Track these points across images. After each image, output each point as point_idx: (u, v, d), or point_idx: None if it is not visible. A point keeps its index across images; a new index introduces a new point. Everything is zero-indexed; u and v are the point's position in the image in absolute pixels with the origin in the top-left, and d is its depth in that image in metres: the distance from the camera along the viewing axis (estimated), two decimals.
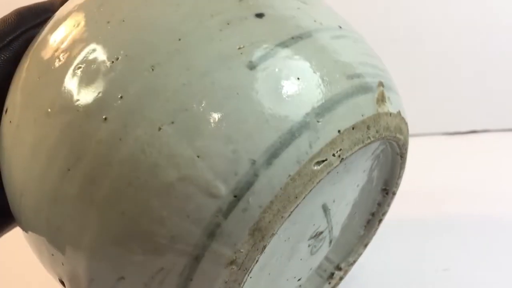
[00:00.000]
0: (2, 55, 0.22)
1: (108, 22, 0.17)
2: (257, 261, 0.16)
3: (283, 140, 0.16)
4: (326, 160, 0.16)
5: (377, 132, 0.18)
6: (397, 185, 0.25)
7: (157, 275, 0.16)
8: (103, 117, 0.16)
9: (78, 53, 0.17)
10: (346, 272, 0.28)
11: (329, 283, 0.28)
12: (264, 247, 0.16)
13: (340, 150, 0.17)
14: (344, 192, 0.22)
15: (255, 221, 0.16)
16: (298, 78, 0.16)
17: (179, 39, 0.16)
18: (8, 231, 0.23)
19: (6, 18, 0.23)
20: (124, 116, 0.16)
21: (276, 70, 0.16)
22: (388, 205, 0.26)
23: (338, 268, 0.28)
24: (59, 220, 0.17)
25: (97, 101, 0.16)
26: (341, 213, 0.24)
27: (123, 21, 0.17)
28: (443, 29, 0.48)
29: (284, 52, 0.17)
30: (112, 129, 0.16)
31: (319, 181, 0.16)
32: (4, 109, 0.20)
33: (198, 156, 0.15)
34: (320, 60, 0.17)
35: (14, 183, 0.19)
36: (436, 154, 0.44)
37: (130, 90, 0.16)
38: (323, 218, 0.22)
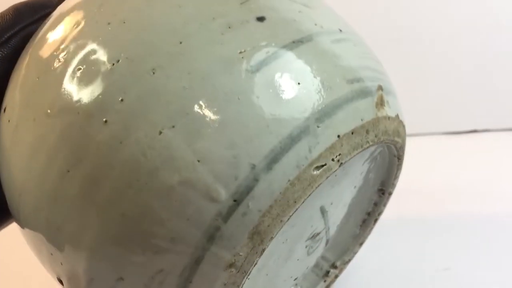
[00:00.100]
0: (0, 52, 0.22)
1: (109, 23, 0.17)
2: (255, 264, 0.17)
3: (283, 145, 0.16)
4: (325, 165, 0.16)
5: (375, 136, 0.18)
6: (393, 185, 0.25)
7: (156, 276, 0.16)
8: (104, 119, 0.16)
9: (78, 54, 0.17)
10: (341, 270, 0.28)
11: (325, 281, 0.28)
12: (263, 250, 0.16)
13: (340, 155, 0.17)
14: (342, 194, 0.22)
15: (254, 225, 0.16)
16: (298, 83, 0.16)
17: (181, 42, 0.16)
18: (5, 226, 0.23)
19: (3, 14, 0.23)
20: (125, 119, 0.16)
21: (277, 74, 0.16)
22: (384, 205, 0.26)
23: (334, 266, 0.28)
24: (58, 220, 0.17)
25: (97, 103, 0.16)
26: (338, 214, 0.24)
27: (124, 22, 0.17)
28: (444, 29, 0.48)
29: (285, 57, 0.17)
30: (112, 131, 0.16)
31: (318, 185, 0.16)
32: (3, 107, 0.20)
33: (198, 160, 0.15)
34: (321, 65, 0.17)
35: (13, 182, 0.19)
36: (437, 153, 0.44)
37: (131, 93, 0.16)
38: (320, 220, 0.22)
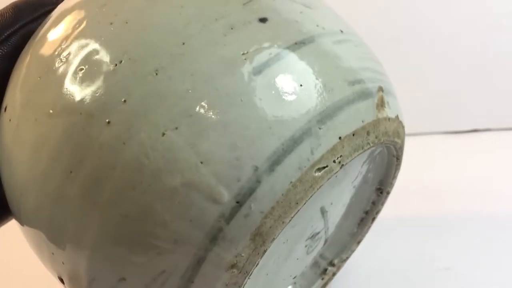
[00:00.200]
0: (0, 50, 0.22)
1: (111, 23, 0.17)
2: (257, 264, 0.17)
3: (285, 147, 0.16)
4: (327, 166, 0.17)
5: (376, 137, 0.18)
6: (391, 185, 0.26)
7: (158, 277, 0.17)
8: (107, 120, 0.16)
9: (80, 54, 0.17)
10: (339, 268, 0.29)
11: (322, 278, 0.28)
12: (265, 251, 0.16)
13: (341, 156, 0.17)
14: (342, 194, 0.23)
15: (256, 226, 0.16)
16: (301, 85, 0.17)
17: (183, 43, 0.16)
18: (5, 223, 0.23)
19: (3, 12, 0.22)
20: (128, 120, 0.16)
21: (280, 76, 0.16)
22: (382, 204, 0.27)
23: (332, 264, 0.28)
24: (61, 220, 0.17)
25: (100, 104, 0.16)
26: (337, 213, 0.24)
27: (126, 22, 0.17)
28: (445, 28, 0.48)
29: (288, 58, 0.17)
30: (115, 132, 0.16)
31: (320, 187, 0.17)
32: (3, 106, 0.20)
33: (201, 162, 0.15)
34: (323, 66, 0.17)
35: (14, 181, 0.19)
36: (438, 153, 0.44)
37: (133, 94, 0.16)
38: (320, 220, 0.22)
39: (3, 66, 0.22)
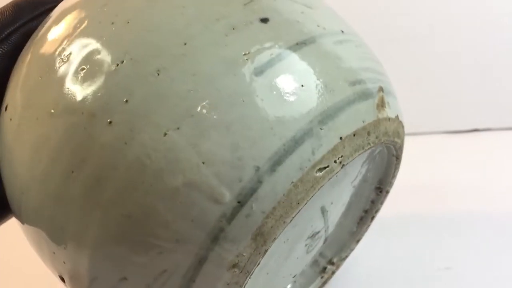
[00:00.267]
0: (0, 49, 0.22)
1: (112, 23, 0.17)
2: (258, 264, 0.17)
3: (287, 147, 0.16)
4: (328, 166, 0.17)
5: (376, 137, 0.19)
6: (391, 184, 0.26)
7: (160, 276, 0.17)
8: (108, 120, 0.16)
9: (82, 54, 0.17)
10: (338, 266, 0.29)
11: (322, 277, 0.28)
12: (266, 251, 0.16)
13: (342, 156, 0.17)
14: (342, 193, 0.23)
15: (257, 226, 0.16)
16: (302, 85, 0.17)
17: (185, 43, 0.16)
18: (5, 221, 0.23)
19: (3, 11, 0.22)
20: (130, 121, 0.16)
21: (281, 77, 0.16)
22: (381, 203, 0.27)
23: (331, 262, 0.28)
24: (62, 219, 0.17)
25: (101, 104, 0.16)
26: (337, 212, 0.24)
27: (128, 22, 0.17)
28: (445, 27, 0.48)
29: (289, 59, 0.17)
30: (117, 132, 0.16)
31: (321, 187, 0.17)
32: (4, 105, 0.20)
33: (203, 162, 0.15)
34: (324, 67, 0.17)
35: (15, 180, 0.19)
36: (438, 152, 0.44)
37: (135, 94, 0.16)
38: (320, 219, 0.22)
39: (3, 64, 0.22)
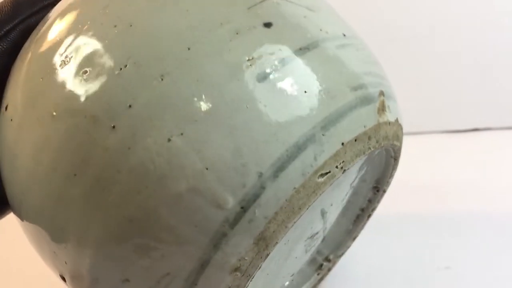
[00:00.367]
0: (0, 46, 0.21)
1: (115, 26, 0.17)
2: (260, 267, 0.17)
3: (289, 153, 0.16)
4: (329, 172, 0.17)
5: (377, 142, 0.19)
6: (388, 183, 0.26)
7: (162, 279, 0.17)
8: (112, 125, 0.16)
9: (84, 56, 0.17)
10: (334, 263, 0.29)
11: (318, 274, 0.29)
12: (268, 255, 0.17)
13: (343, 162, 0.17)
14: (341, 194, 0.23)
15: (260, 231, 0.16)
16: (305, 91, 0.17)
17: (189, 48, 0.16)
18: (5, 216, 0.23)
19: (1, 7, 0.22)
20: (133, 125, 0.16)
21: (285, 82, 0.16)
22: (378, 202, 0.27)
23: (327, 259, 0.29)
24: (63, 221, 0.17)
25: (105, 109, 0.16)
26: (335, 212, 0.25)
27: (131, 25, 0.17)
28: (445, 27, 0.48)
29: (292, 64, 0.17)
30: (120, 137, 0.16)
31: (322, 192, 0.17)
32: (4, 105, 0.20)
33: (207, 168, 0.15)
34: (326, 72, 0.17)
35: (16, 180, 0.19)
36: (438, 152, 0.44)
37: (139, 99, 0.16)
38: (320, 221, 0.23)
39: (2, 62, 0.21)
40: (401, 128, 0.22)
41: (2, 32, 0.22)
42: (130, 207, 0.16)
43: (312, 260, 0.28)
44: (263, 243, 0.16)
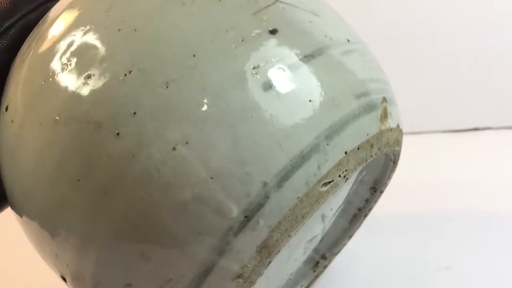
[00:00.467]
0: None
1: (119, 30, 0.17)
2: (262, 274, 0.17)
3: (293, 163, 0.16)
4: (332, 181, 0.17)
5: (379, 149, 0.19)
6: (385, 184, 0.26)
7: (165, 285, 0.17)
8: (116, 132, 0.16)
9: (88, 61, 0.17)
10: (330, 261, 0.29)
11: (314, 271, 0.29)
12: (270, 262, 0.17)
13: (346, 170, 0.17)
14: (340, 199, 0.23)
15: (263, 239, 0.16)
16: (310, 100, 0.17)
17: (194, 55, 0.16)
18: (4, 210, 0.23)
19: (0, 2, 0.22)
20: (138, 133, 0.16)
21: (290, 91, 0.16)
22: (375, 202, 0.27)
23: (323, 257, 0.29)
24: (67, 225, 0.17)
25: (109, 115, 0.16)
26: (334, 215, 0.25)
27: (135, 30, 0.17)
28: (446, 26, 0.48)
29: (298, 73, 0.17)
30: (125, 145, 0.16)
31: (325, 201, 0.17)
32: (4, 105, 0.20)
33: (211, 177, 0.16)
34: (331, 80, 0.17)
35: (17, 182, 0.19)
36: (438, 151, 0.44)
37: (143, 106, 0.16)
38: (320, 224, 0.23)
39: (2, 60, 0.21)
40: (402, 133, 0.22)
41: (2, 28, 0.21)
42: (134, 213, 0.16)
43: (309, 258, 0.28)
44: (266, 251, 0.16)
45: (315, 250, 0.29)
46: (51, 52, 0.18)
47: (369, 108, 0.18)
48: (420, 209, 0.36)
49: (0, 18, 0.21)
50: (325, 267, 0.29)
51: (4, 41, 0.21)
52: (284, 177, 0.16)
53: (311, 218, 0.20)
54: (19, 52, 0.21)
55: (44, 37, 0.19)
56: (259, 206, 0.16)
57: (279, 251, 0.17)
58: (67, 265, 0.19)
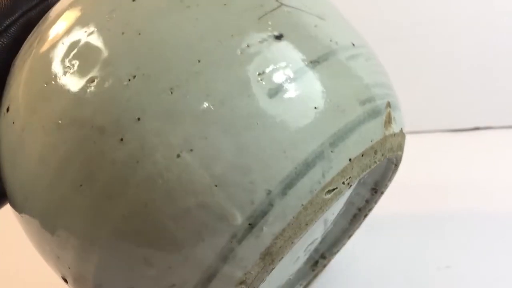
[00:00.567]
0: (0, 42, 0.21)
1: (123, 33, 0.17)
2: (264, 280, 0.17)
3: (298, 170, 0.16)
4: (336, 188, 0.17)
5: (382, 155, 0.19)
6: (386, 186, 0.26)
7: None
8: (120, 137, 0.16)
9: (91, 64, 0.17)
10: (329, 260, 0.29)
11: (313, 270, 0.29)
12: (273, 269, 0.17)
13: (350, 177, 0.17)
14: (342, 203, 0.23)
15: (266, 246, 0.16)
16: (315, 107, 0.17)
17: (199, 61, 0.16)
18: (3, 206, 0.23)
19: (0, 0, 0.21)
20: (142, 139, 0.16)
21: (295, 98, 0.16)
22: (375, 203, 0.27)
23: (323, 257, 0.29)
24: (68, 228, 0.17)
25: (113, 120, 0.16)
26: (335, 217, 0.25)
27: (139, 34, 0.17)
28: (447, 26, 0.47)
29: (303, 79, 0.17)
30: (129, 150, 0.16)
31: (328, 208, 0.17)
32: (5, 106, 0.19)
33: (216, 185, 0.15)
34: (336, 86, 0.17)
35: (18, 183, 0.19)
36: (439, 151, 0.43)
37: (147, 112, 0.16)
38: (322, 228, 0.23)
39: (2, 59, 0.21)
40: (404, 137, 0.22)
41: (2, 26, 0.21)
42: (137, 219, 0.16)
43: (308, 258, 0.29)
44: (269, 258, 0.16)
45: (315, 249, 0.29)
46: (53, 54, 0.18)
47: (374, 114, 0.18)
48: (421, 208, 0.36)
49: (0, 16, 0.21)
50: (324, 266, 0.29)
51: (5, 40, 0.21)
52: (288, 185, 0.16)
53: (315, 225, 0.20)
54: (20, 51, 0.20)
55: (46, 38, 0.18)
56: (263, 213, 0.16)
57: (282, 257, 0.17)
58: (69, 268, 0.19)
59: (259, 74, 0.16)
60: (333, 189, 0.17)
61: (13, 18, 0.21)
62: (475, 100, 0.46)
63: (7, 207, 0.21)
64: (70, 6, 0.19)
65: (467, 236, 0.33)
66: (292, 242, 0.17)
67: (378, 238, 0.29)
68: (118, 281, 0.18)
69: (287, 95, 0.16)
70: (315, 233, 0.23)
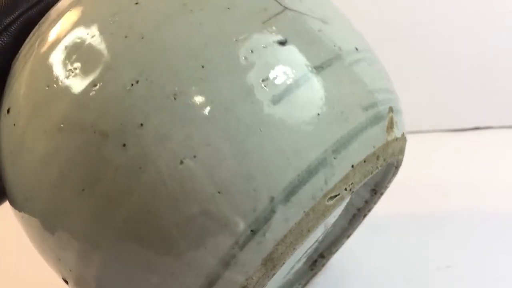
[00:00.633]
0: (0, 41, 0.21)
1: (126, 37, 0.17)
2: (266, 285, 0.17)
3: (301, 178, 0.16)
4: (338, 195, 0.17)
5: (384, 160, 0.19)
6: (386, 187, 0.26)
7: None
8: (122, 143, 0.16)
9: (94, 68, 0.17)
10: (328, 259, 0.30)
11: (312, 269, 0.29)
12: (274, 274, 0.17)
13: (352, 184, 0.17)
14: (343, 206, 0.23)
15: (268, 252, 0.16)
16: (318, 114, 0.17)
17: (203, 66, 0.16)
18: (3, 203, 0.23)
19: None
20: (145, 146, 0.16)
21: (299, 105, 0.16)
22: (375, 203, 0.27)
23: (322, 256, 0.29)
24: (69, 231, 0.17)
25: (115, 126, 0.16)
26: (335, 219, 0.25)
27: (142, 38, 0.17)
28: (447, 26, 0.47)
29: (306, 85, 0.17)
30: (131, 157, 0.16)
31: (330, 214, 0.17)
32: (6, 107, 0.19)
33: (219, 192, 0.15)
34: (339, 93, 0.17)
35: (19, 185, 0.19)
36: (439, 151, 0.43)
37: (151, 118, 0.16)
38: (322, 230, 0.23)
39: (2, 58, 0.21)
40: (406, 141, 0.22)
41: (3, 25, 0.21)
42: (139, 225, 0.16)
43: (309, 259, 0.29)
44: (271, 264, 0.17)
45: (314, 249, 0.29)
46: (54, 56, 0.18)
47: (376, 119, 0.18)
48: (421, 208, 0.36)
49: (0, 14, 0.21)
50: (323, 265, 0.30)
51: (5, 38, 0.21)
52: (291, 192, 0.16)
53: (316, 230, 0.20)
54: (20, 51, 0.20)
55: (47, 39, 0.18)
56: (266, 220, 0.16)
57: (283, 263, 0.17)
58: (70, 270, 0.19)
59: (263, 80, 0.16)
60: (336, 196, 0.17)
61: (13, 16, 0.21)
62: (475, 100, 0.46)
63: (7, 207, 0.21)
64: (71, 6, 0.19)
65: (467, 236, 0.33)
66: (294, 248, 0.17)
67: (378, 238, 0.29)
68: (120, 286, 0.18)
69: (291, 102, 0.16)
70: (316, 236, 0.23)
